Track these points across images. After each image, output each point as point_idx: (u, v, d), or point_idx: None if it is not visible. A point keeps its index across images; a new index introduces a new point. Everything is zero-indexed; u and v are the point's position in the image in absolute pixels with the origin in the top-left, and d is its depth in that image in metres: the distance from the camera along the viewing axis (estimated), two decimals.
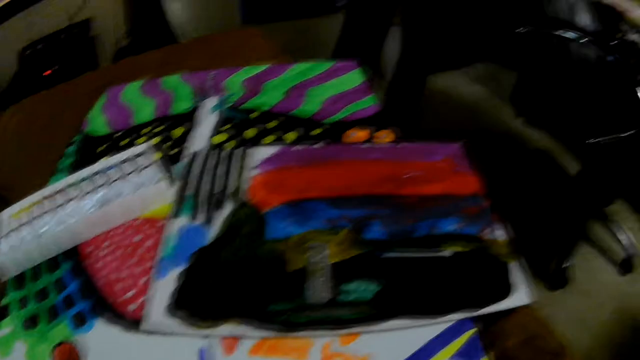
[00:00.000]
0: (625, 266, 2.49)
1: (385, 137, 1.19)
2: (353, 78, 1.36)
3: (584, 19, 2.40)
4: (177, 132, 1.20)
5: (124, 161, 1.07)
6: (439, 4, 2.33)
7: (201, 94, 1.31)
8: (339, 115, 1.24)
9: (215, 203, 1.00)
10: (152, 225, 0.99)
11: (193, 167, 1.09)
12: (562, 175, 2.77)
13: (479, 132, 2.92)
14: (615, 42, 2.52)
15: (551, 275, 2.35)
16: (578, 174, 2.50)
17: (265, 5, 2.61)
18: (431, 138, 1.20)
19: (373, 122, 1.24)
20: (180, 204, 1.00)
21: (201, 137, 1.18)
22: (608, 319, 2.31)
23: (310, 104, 1.27)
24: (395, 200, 1.05)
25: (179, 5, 2.36)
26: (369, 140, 1.19)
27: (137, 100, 1.32)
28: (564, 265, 2.36)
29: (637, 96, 1.98)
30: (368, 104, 1.28)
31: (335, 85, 1.33)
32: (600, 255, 2.55)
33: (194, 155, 1.12)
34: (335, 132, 1.20)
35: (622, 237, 2.52)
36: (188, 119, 1.24)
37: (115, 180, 1.02)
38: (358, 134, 1.18)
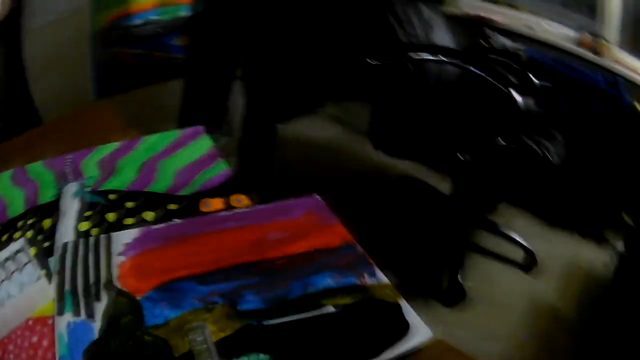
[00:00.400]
0: (526, 265, 2.56)
1: (241, 202, 1.21)
2: (201, 145, 1.42)
3: (443, 35, 2.46)
4: (47, 223, 1.22)
5: (6, 260, 1.11)
6: (279, 50, 2.35)
7: (63, 180, 1.34)
8: (193, 186, 1.32)
9: (93, 295, 1.04)
10: (44, 324, 1.01)
11: (66, 260, 1.11)
12: (435, 195, 2.82)
13: (339, 175, 2.94)
14: (482, 51, 2.59)
15: (446, 292, 2.38)
16: (453, 189, 2.55)
17: (115, 76, 2.60)
18: (289, 193, 1.22)
19: (227, 188, 1.25)
20: (61, 301, 1.03)
21: (68, 226, 1.20)
22: (521, 319, 2.36)
23: (164, 178, 1.33)
24: (263, 265, 1.10)
25: (41, 87, 2.34)
26: (226, 208, 1.20)
27: (9, 191, 1.34)
28: (457, 279, 2.39)
29: (512, 99, 2.03)
30: (219, 170, 1.34)
31: (184, 155, 1.41)
32: (497, 260, 2.62)
33: (65, 247, 1.14)
34: (191, 204, 1.27)
35: (516, 238, 2.58)
36: (55, 208, 1.26)
37: (3, 281, 1.06)
38: (213, 204, 1.22)
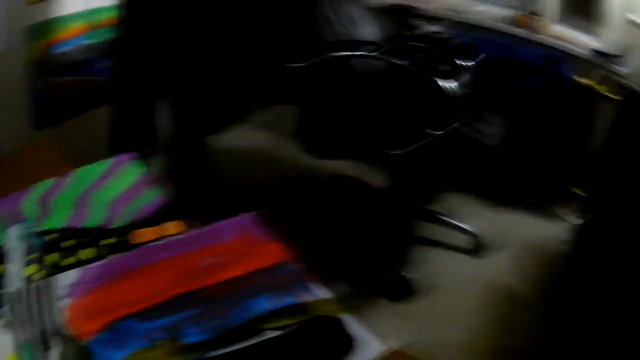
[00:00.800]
0: (475, 250, 2.59)
1: (173, 229, 1.22)
2: (130, 173, 1.44)
3: (368, 30, 2.48)
4: None
5: None
6: (201, 63, 2.35)
7: (6, 224, 1.34)
8: (126, 217, 1.32)
9: (46, 344, 1.06)
10: None
11: (18, 309, 1.12)
12: (371, 192, 2.84)
13: (272, 184, 2.94)
14: (405, 40, 2.61)
15: (390, 287, 2.40)
16: (388, 184, 2.56)
17: (52, 107, 2.58)
18: (223, 212, 1.23)
19: (159, 215, 1.27)
20: (21, 353, 1.05)
21: (14, 272, 1.21)
22: (477, 305, 2.39)
23: (97, 212, 1.37)
24: (201, 294, 1.12)
25: None
26: (158, 238, 1.22)
27: None
28: (400, 273, 2.40)
29: (439, 87, 2.06)
30: (149, 197, 1.33)
31: (115, 185, 1.45)
32: (443, 249, 2.64)
33: (15, 294, 1.15)
34: (124, 237, 1.30)
35: (458, 224, 2.61)
36: (1, 254, 1.27)
37: None
38: (145, 234, 1.23)
